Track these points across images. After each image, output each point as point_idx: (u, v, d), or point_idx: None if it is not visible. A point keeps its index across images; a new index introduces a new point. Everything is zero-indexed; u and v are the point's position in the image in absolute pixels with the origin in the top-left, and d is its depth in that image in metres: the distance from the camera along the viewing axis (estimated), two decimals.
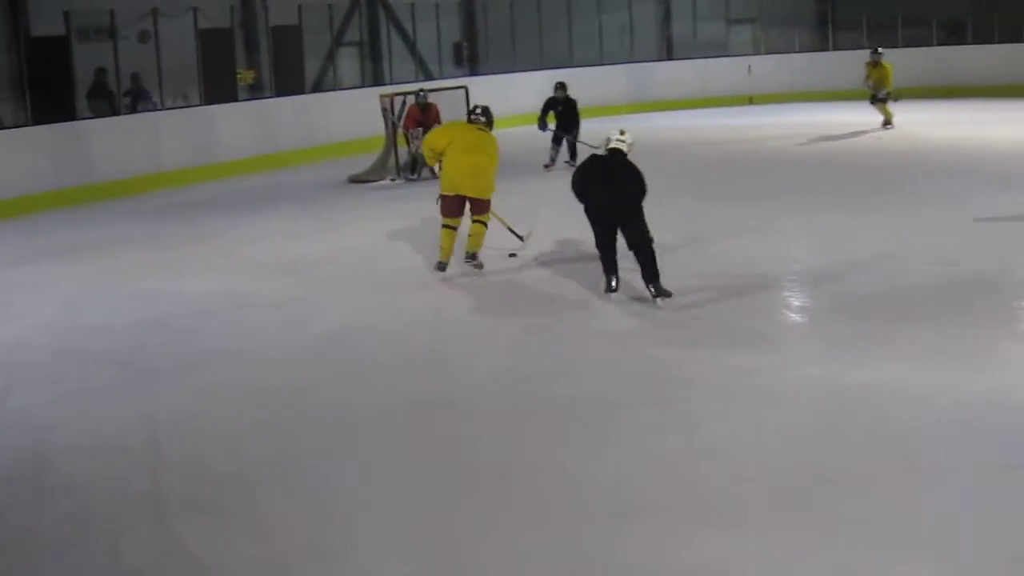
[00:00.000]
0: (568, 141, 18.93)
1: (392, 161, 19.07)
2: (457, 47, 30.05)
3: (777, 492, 6.15)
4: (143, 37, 21.09)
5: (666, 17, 32.86)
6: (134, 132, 19.62)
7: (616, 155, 10.59)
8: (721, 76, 29.67)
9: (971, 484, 6.12)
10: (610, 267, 10.43)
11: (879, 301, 9.88)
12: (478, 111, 12.09)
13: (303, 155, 21.71)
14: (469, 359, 8.88)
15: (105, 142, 18.84)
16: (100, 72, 20.42)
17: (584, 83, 28.28)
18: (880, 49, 23.03)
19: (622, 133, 10.81)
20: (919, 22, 30.33)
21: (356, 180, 18.90)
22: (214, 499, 6.47)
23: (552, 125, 19.33)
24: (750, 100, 29.90)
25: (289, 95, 23.30)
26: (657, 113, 27.88)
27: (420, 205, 16.03)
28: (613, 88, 28.93)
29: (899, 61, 29.46)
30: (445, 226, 11.62)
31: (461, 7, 30.68)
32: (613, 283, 10.38)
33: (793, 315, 10.08)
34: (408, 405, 7.79)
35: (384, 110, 19.52)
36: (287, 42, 24.09)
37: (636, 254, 10.21)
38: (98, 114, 20.17)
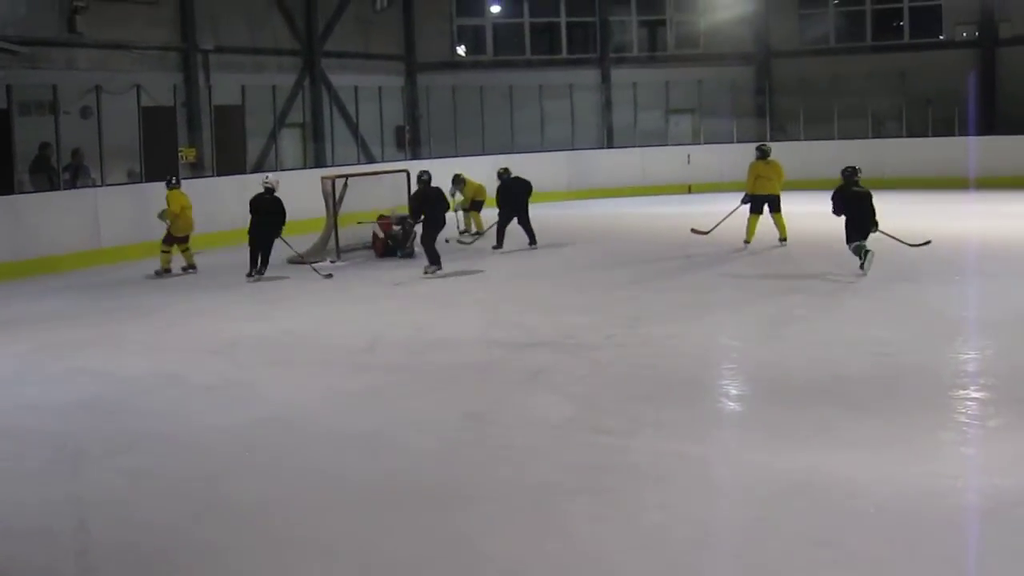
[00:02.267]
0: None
1: (332, 243, 19.03)
2: (399, 130, 30.22)
3: None
4: (85, 113, 21.03)
5: (607, 106, 33.29)
6: (72, 208, 19.50)
7: (270, 193, 17.73)
8: (660, 165, 30.07)
9: None
10: (254, 261, 17.54)
11: (816, 389, 9.93)
12: (173, 180, 18.49)
13: (243, 234, 21.57)
14: (405, 445, 8.79)
15: (43, 217, 18.69)
16: (44, 147, 20.31)
17: (525, 169, 28.54)
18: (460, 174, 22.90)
19: (267, 178, 18.34)
20: (854, 114, 30.93)
21: (296, 261, 18.82)
22: None
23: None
24: (689, 189, 30.25)
25: (230, 175, 23.24)
26: (597, 200, 28.15)
27: (359, 288, 16.08)
28: (554, 175, 29.19)
29: (834, 153, 30.05)
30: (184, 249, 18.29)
31: (404, 91, 30.92)
32: (255, 271, 17.46)
33: (731, 403, 10.09)
34: (342, 491, 7.70)
35: (325, 192, 19.53)
36: (229, 122, 24.13)
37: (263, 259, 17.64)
38: (38, 189, 20.03)
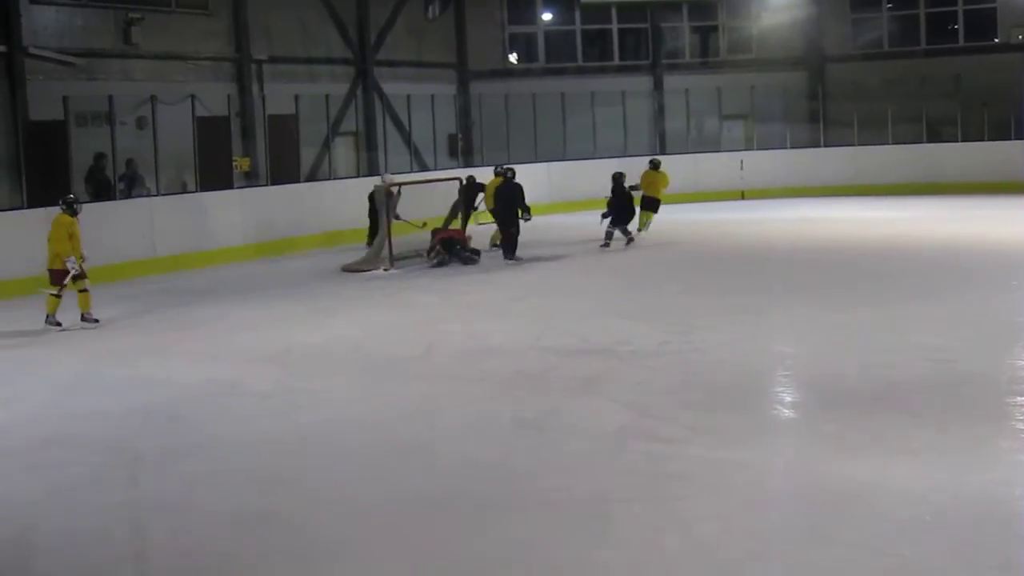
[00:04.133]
0: None
1: (386, 251, 19.09)
2: (452, 138, 30.28)
3: None
4: (141, 123, 21.24)
5: (659, 112, 33.19)
6: (128, 217, 19.67)
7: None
8: (713, 171, 29.93)
9: None
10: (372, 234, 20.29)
11: (872, 397, 9.84)
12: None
13: (297, 243, 21.78)
14: (459, 453, 8.80)
15: (99, 226, 18.79)
16: (99, 157, 20.51)
17: (578, 176, 28.59)
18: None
19: (384, 177, 21.28)
20: (909, 119, 30.65)
21: (349, 270, 18.92)
22: None
23: None
24: (742, 195, 30.11)
25: (284, 183, 23.39)
26: None
27: (412, 296, 16.12)
28: (607, 181, 29.03)
29: (889, 158, 29.84)
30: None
31: (456, 99, 30.98)
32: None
33: (785, 411, 10.03)
34: (397, 500, 7.72)
35: (378, 200, 19.60)
36: (283, 131, 24.29)
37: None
38: (94, 198, 20.23)
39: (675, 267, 18.73)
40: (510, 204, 19.55)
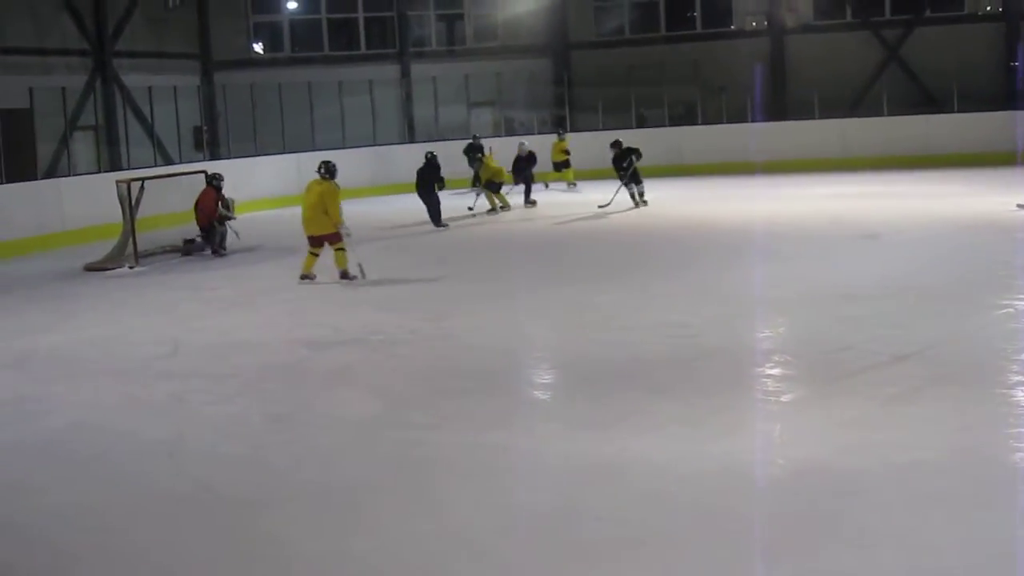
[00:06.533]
0: None
1: (130, 248, 18.57)
2: (197, 130, 29.62)
3: (523, 572, 6.18)
4: None
5: (407, 100, 33.25)
6: None
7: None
8: (463, 158, 30.09)
9: (709, 554, 6.28)
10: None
11: (621, 375, 10.11)
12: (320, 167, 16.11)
13: (36, 243, 20.93)
14: (211, 450, 8.63)
15: None
16: None
17: None
18: None
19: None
20: (652, 104, 31.56)
21: (92, 268, 18.32)
22: None
23: None
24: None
25: (20, 181, 22.42)
26: (401, 195, 28.04)
27: (159, 293, 15.74)
28: (357, 170, 28.95)
29: (632, 141, 30.68)
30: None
31: (200, 90, 30.33)
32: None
33: (535, 392, 10.20)
34: (147, 502, 7.52)
35: (121, 196, 19.04)
36: (18, 126, 23.29)
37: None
38: None
39: (423, 254, 18.80)
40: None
